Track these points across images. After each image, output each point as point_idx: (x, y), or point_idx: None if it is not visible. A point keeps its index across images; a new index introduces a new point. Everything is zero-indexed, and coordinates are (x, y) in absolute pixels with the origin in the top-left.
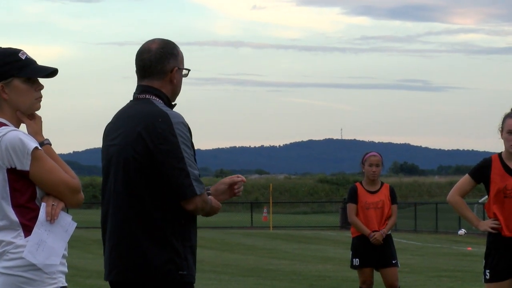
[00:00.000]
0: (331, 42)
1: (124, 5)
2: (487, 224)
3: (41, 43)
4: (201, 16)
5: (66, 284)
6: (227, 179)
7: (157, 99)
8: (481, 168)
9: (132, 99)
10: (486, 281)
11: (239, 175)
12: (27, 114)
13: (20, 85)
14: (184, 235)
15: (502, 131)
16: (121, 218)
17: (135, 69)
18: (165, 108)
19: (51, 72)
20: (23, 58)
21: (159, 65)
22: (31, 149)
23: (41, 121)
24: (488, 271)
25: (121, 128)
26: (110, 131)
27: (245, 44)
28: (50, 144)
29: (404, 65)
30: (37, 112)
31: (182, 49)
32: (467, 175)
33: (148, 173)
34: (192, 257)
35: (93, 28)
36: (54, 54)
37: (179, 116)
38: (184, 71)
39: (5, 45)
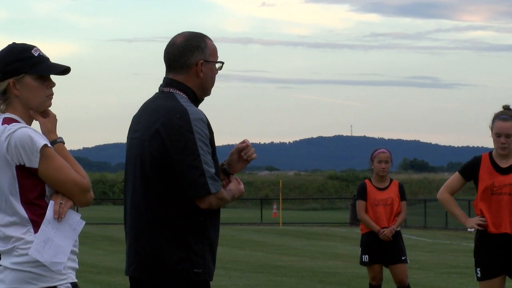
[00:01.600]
0: (340, 39)
1: (133, 2)
2: (474, 221)
3: (49, 40)
4: (211, 13)
5: (76, 280)
6: (233, 149)
7: (181, 93)
8: (470, 166)
9: (158, 91)
10: (478, 279)
11: (245, 140)
12: (40, 112)
13: (32, 82)
14: (203, 232)
15: (492, 130)
16: (138, 214)
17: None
18: (186, 104)
19: (63, 70)
20: (36, 55)
21: (182, 58)
22: (40, 147)
23: (56, 120)
24: (479, 269)
25: (143, 121)
26: (134, 124)
27: (254, 41)
28: (63, 143)
29: (414, 62)
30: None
31: None
32: (456, 172)
33: (164, 169)
34: (210, 255)
35: (101, 25)
36: (63, 51)
37: (199, 112)
38: (218, 64)
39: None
